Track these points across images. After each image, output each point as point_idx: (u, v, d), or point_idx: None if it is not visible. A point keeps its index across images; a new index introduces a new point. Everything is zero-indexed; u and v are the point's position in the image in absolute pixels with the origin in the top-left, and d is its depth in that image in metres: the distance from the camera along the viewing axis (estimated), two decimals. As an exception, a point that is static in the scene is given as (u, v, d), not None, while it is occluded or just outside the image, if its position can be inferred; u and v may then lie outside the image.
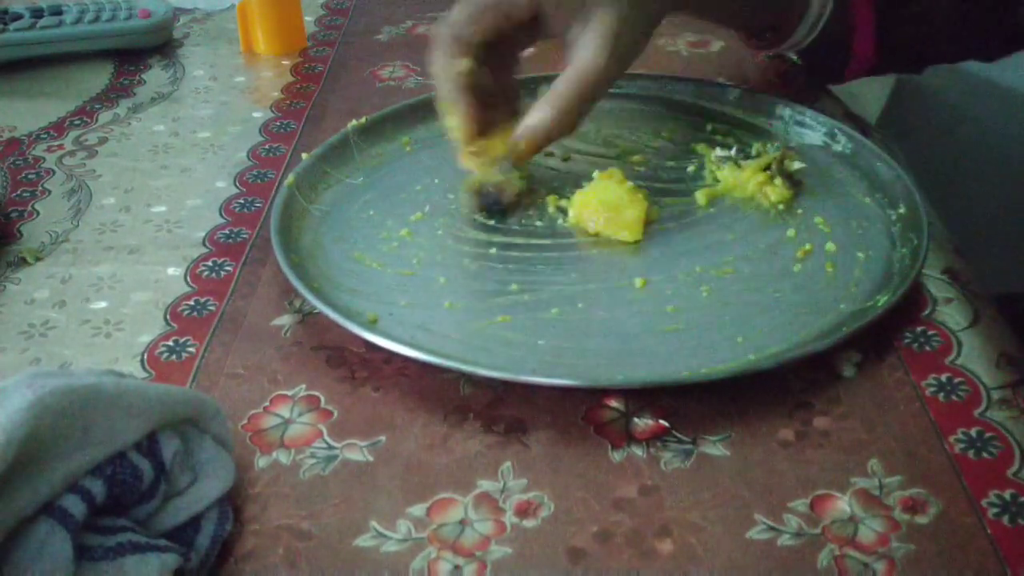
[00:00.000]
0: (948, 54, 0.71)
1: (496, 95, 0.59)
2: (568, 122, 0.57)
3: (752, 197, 0.60)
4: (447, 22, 0.58)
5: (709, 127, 0.68)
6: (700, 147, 0.66)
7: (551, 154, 0.65)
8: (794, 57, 0.74)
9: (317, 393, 0.48)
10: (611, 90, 0.71)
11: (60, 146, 0.72)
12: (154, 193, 0.66)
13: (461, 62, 0.57)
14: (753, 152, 0.64)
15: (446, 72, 0.58)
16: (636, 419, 0.46)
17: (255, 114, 0.76)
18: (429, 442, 0.45)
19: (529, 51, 0.59)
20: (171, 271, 0.58)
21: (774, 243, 0.57)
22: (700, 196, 0.61)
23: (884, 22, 0.64)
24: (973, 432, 0.44)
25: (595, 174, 0.60)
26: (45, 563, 0.34)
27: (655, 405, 0.47)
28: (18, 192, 0.66)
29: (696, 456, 0.44)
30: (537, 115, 0.57)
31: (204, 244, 0.60)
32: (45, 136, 0.73)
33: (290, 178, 0.62)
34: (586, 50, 0.56)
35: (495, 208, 0.60)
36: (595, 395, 0.47)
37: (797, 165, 0.60)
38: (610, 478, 0.43)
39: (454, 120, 0.59)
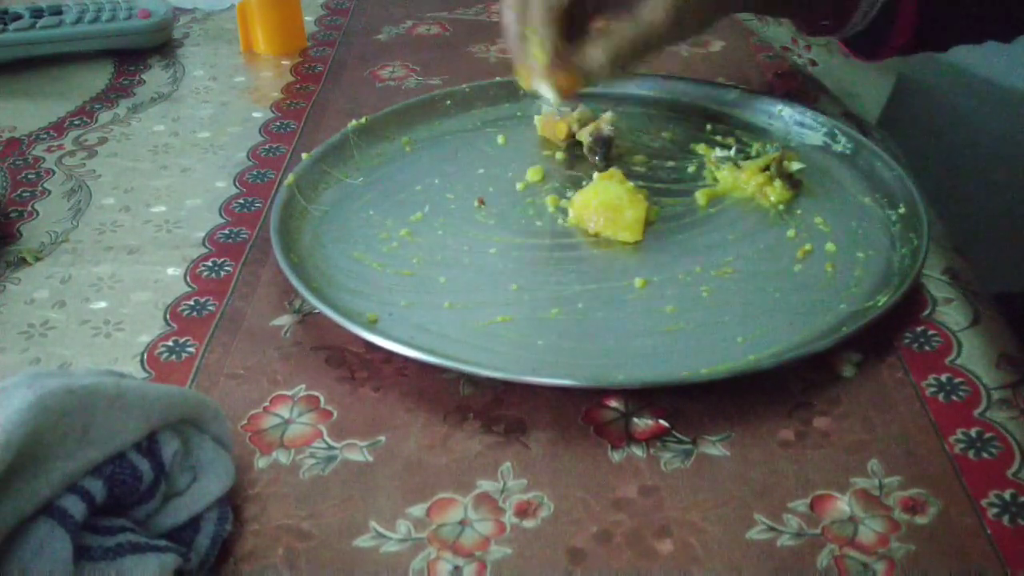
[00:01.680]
0: (974, 34, 0.71)
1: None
2: (615, 69, 0.58)
3: (752, 197, 0.60)
4: None
5: (709, 127, 0.68)
6: (700, 147, 0.66)
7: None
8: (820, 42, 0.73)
9: (317, 393, 0.48)
10: (611, 90, 0.72)
11: (60, 146, 0.72)
12: (154, 193, 0.66)
13: None
14: (753, 152, 0.65)
15: (546, 7, 0.57)
16: (636, 419, 0.46)
17: (255, 114, 0.76)
18: (429, 442, 0.45)
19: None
20: (171, 271, 0.58)
21: (774, 243, 0.57)
22: (700, 196, 0.61)
23: (926, 2, 0.65)
24: (973, 432, 0.44)
25: (595, 174, 0.60)
26: (45, 563, 0.34)
27: (655, 405, 0.47)
28: (18, 192, 0.66)
29: (696, 456, 0.44)
30: (590, 56, 0.57)
31: (204, 244, 0.60)
32: (45, 136, 0.73)
33: (290, 178, 0.62)
34: (650, 6, 0.57)
35: (604, 150, 0.63)
36: (595, 395, 0.47)
37: (796, 166, 0.60)
38: (610, 478, 0.43)
39: (537, 46, 0.58)
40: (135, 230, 0.62)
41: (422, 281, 0.55)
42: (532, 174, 0.64)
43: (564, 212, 0.60)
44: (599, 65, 0.57)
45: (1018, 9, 0.67)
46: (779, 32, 0.86)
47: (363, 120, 0.68)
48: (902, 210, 0.57)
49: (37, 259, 0.59)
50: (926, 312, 0.52)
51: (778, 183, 0.60)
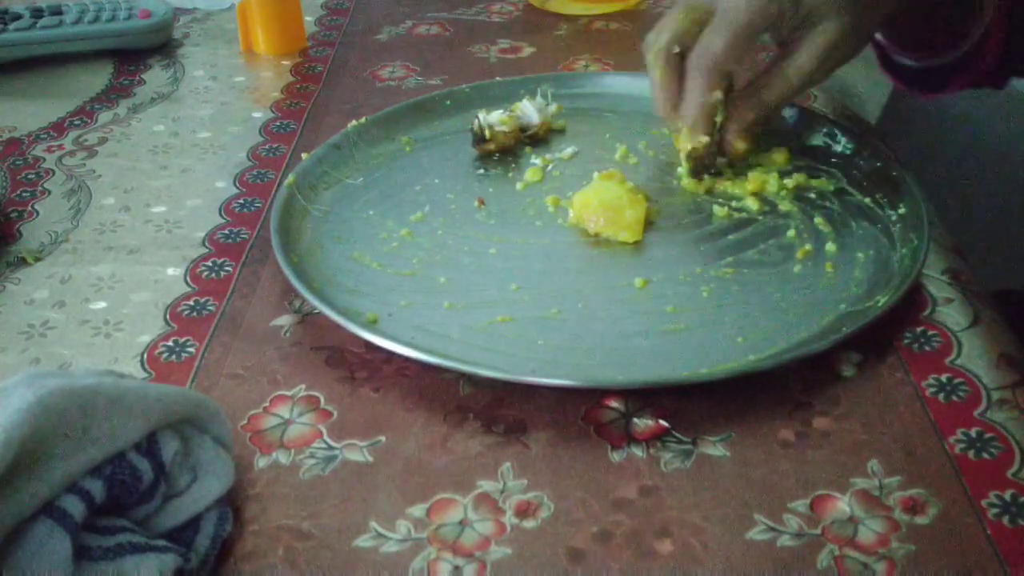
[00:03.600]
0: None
1: None
2: (773, 116, 0.61)
3: (753, 194, 0.60)
4: (709, 53, 0.57)
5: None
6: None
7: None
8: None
9: (317, 393, 0.48)
10: (610, 90, 0.72)
11: (60, 146, 0.72)
12: (154, 193, 0.66)
13: (716, 94, 0.58)
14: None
15: (700, 102, 0.58)
16: (636, 419, 0.46)
17: (255, 114, 0.76)
18: (429, 442, 0.45)
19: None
20: (171, 271, 0.58)
21: (774, 243, 0.57)
22: (701, 196, 0.61)
23: (1009, 42, 0.65)
24: (973, 432, 0.44)
25: (595, 174, 0.60)
26: (44, 563, 0.34)
27: (655, 405, 0.47)
28: (18, 192, 0.66)
29: (696, 456, 0.44)
30: (746, 114, 0.60)
31: (204, 244, 0.60)
32: (45, 136, 0.73)
33: (290, 178, 0.62)
34: (801, 56, 0.58)
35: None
36: (595, 395, 0.47)
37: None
38: (610, 478, 0.43)
39: (687, 141, 0.60)
40: (135, 230, 0.62)
41: (422, 281, 0.55)
42: (532, 174, 0.64)
43: (564, 212, 0.60)
44: (755, 119, 0.60)
45: None
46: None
47: (363, 120, 0.68)
48: (902, 210, 0.57)
49: (37, 259, 0.59)
50: (926, 312, 0.52)
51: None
